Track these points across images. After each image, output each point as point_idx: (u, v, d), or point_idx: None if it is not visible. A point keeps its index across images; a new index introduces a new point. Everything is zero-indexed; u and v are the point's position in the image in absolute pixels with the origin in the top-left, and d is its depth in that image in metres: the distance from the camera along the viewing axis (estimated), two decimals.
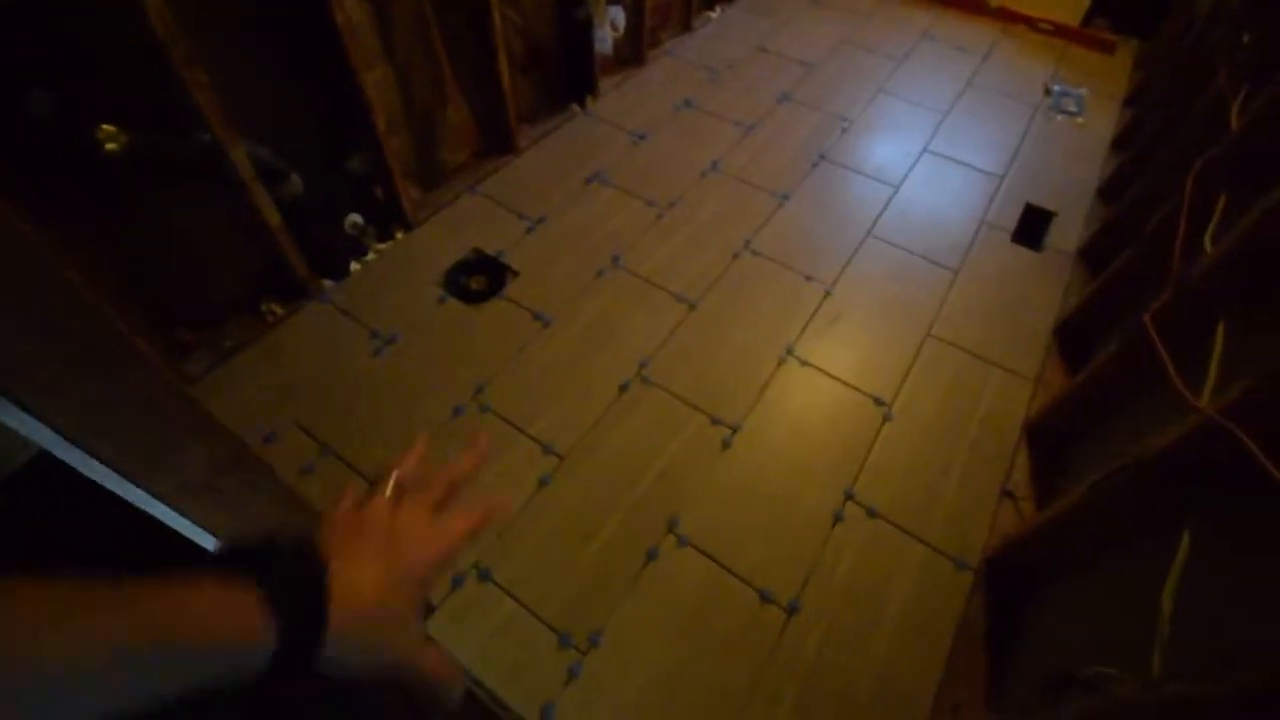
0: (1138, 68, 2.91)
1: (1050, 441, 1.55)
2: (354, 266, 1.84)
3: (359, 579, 0.36)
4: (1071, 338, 1.77)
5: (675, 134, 2.40)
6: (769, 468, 1.52)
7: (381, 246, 1.89)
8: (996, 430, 1.61)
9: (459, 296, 1.82)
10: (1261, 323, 1.00)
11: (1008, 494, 1.49)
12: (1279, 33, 1.47)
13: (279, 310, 1.71)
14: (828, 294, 1.89)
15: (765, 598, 1.32)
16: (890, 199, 2.21)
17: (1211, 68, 1.73)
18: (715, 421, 1.58)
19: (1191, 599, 0.79)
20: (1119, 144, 2.47)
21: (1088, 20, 3.07)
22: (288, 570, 0.34)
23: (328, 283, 1.79)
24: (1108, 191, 2.24)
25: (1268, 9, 1.56)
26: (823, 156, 2.34)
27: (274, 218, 1.56)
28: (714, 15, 3.05)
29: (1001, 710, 1.11)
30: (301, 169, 1.59)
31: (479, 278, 1.88)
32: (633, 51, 2.64)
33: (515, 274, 1.89)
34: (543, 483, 1.45)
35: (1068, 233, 2.14)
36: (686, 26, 2.92)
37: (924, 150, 2.42)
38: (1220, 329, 1.05)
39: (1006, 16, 3.16)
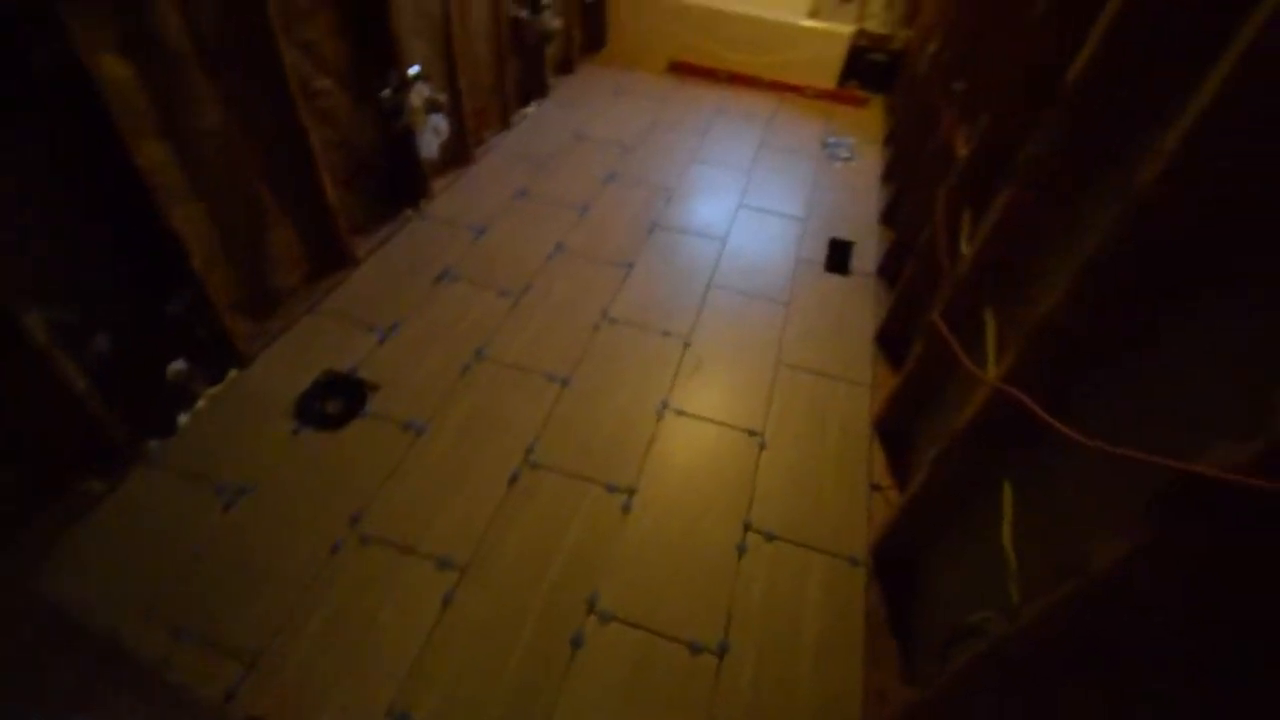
0: (888, 114, 3.53)
1: (896, 433, 1.76)
2: (182, 419, 1.66)
3: None
4: (890, 343, 2.05)
5: (515, 223, 2.50)
6: (670, 520, 1.57)
7: (214, 390, 1.74)
8: (853, 435, 1.81)
9: (316, 424, 1.72)
10: (1013, 300, 1.24)
11: (875, 487, 1.66)
12: (981, 82, 1.89)
13: (99, 486, 1.49)
14: (687, 345, 2.04)
15: (695, 649, 1.34)
16: (721, 251, 2.46)
17: (937, 110, 2.17)
18: (611, 489, 1.62)
19: (1025, 535, 0.94)
20: (886, 177, 2.95)
21: (843, 83, 3.70)
22: None
23: (154, 443, 1.60)
24: (887, 217, 2.67)
25: (969, 65, 2.00)
26: (655, 224, 2.56)
27: (80, 383, 1.39)
28: (530, 111, 3.26)
29: (915, 683, 1.21)
30: (112, 322, 1.45)
31: (334, 400, 1.79)
32: (459, 152, 2.73)
33: (375, 388, 1.82)
34: (447, 601, 1.37)
35: (867, 257, 2.50)
36: (506, 124, 3.10)
37: (739, 205, 2.73)
38: (989, 313, 1.29)
39: (780, 88, 3.71)
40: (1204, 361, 0.73)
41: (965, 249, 1.49)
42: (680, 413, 1.83)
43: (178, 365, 1.63)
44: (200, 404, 1.70)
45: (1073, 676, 0.75)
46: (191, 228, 1.59)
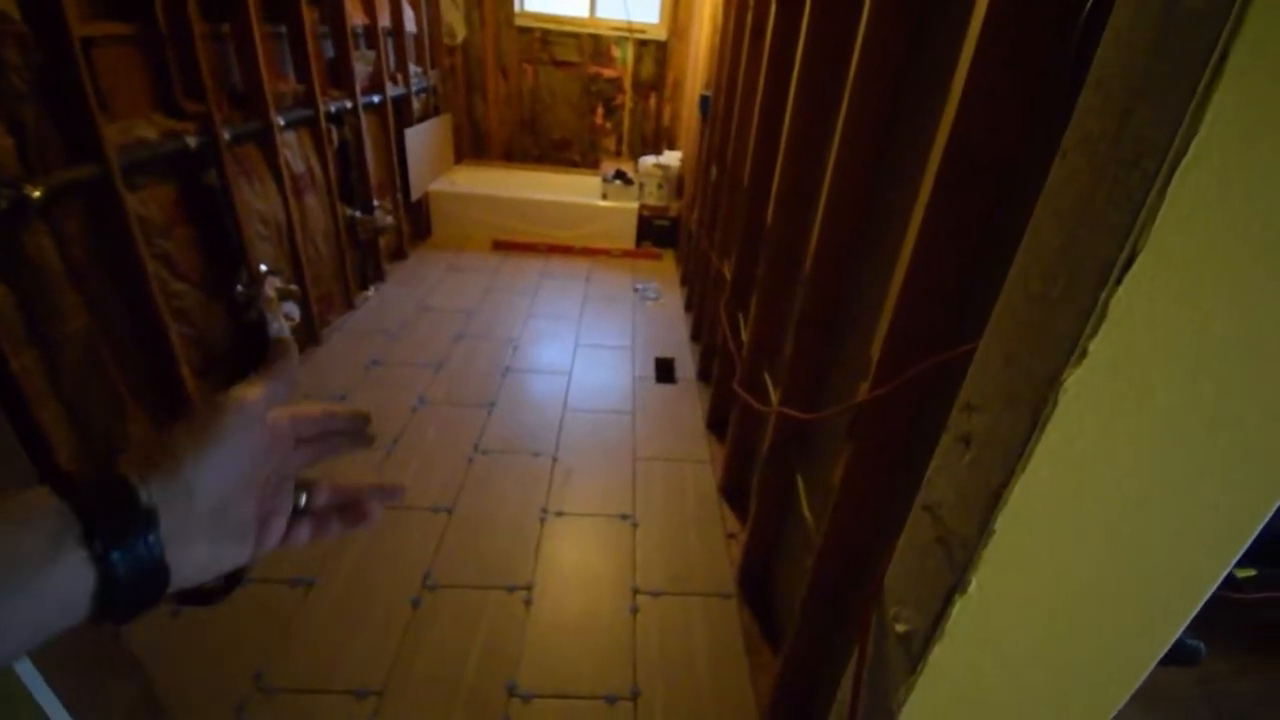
0: (678, 262, 4.40)
1: (736, 491, 2.18)
2: None
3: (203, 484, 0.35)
4: (716, 425, 2.54)
5: (374, 388, 2.71)
6: (569, 601, 1.77)
7: None
8: (705, 500, 2.19)
9: (196, 602, 1.69)
10: (774, 358, 1.78)
11: (730, 536, 2.03)
12: (727, 232, 2.63)
13: None
14: (555, 459, 2.33)
15: (611, 700, 1.51)
16: (568, 382, 2.87)
17: (708, 253, 2.91)
18: (511, 589, 1.79)
19: (814, 504, 1.35)
20: (687, 307, 3.68)
21: (639, 243, 4.56)
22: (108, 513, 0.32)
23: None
24: (694, 336, 3.32)
25: (719, 221, 2.76)
26: (508, 368, 2.92)
27: None
28: (370, 293, 3.58)
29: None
30: None
31: None
32: (308, 334, 2.93)
33: None
34: None
35: (686, 367, 3.07)
36: (350, 305, 3.37)
37: (577, 345, 3.22)
38: (766, 372, 1.82)
39: (591, 252, 4.48)
40: (852, 350, 1.24)
41: (744, 338, 2.06)
42: (560, 514, 2.08)
43: None
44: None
45: (856, 563, 1.13)
46: (54, 427, 1.63)
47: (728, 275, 2.40)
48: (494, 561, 1.88)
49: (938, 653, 0.51)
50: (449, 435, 2.43)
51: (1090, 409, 0.38)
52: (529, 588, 1.80)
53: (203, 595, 1.71)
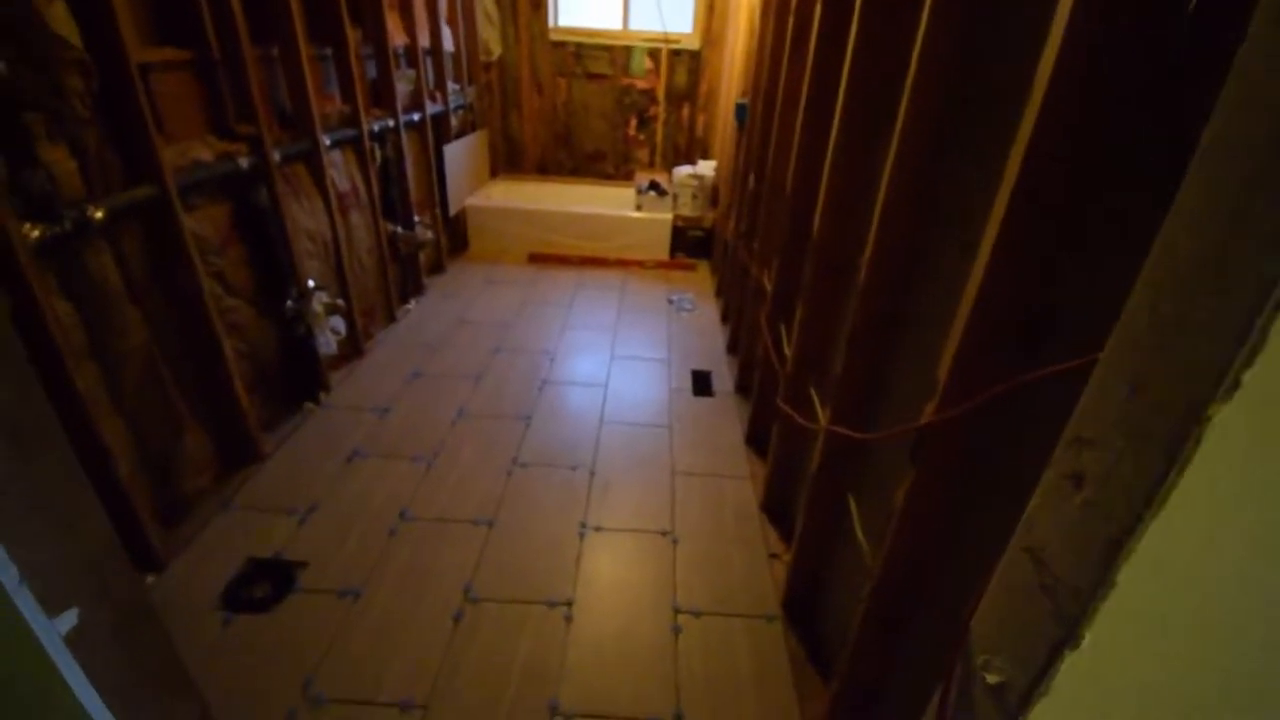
0: (713, 273, 4.36)
1: (778, 509, 2.12)
2: None
3: None
4: (756, 441, 2.48)
5: (415, 399, 2.73)
6: (609, 619, 1.73)
7: None
8: (746, 518, 2.13)
9: (247, 610, 1.72)
10: (821, 374, 1.72)
11: (773, 556, 1.97)
12: (767, 240, 2.58)
13: None
14: (593, 474, 2.31)
15: None
16: (605, 394, 2.85)
17: (746, 263, 2.86)
18: (551, 604, 1.76)
19: (868, 527, 1.30)
20: (723, 319, 3.63)
21: (673, 255, 4.54)
22: None
23: None
24: (731, 348, 3.27)
25: (758, 230, 2.72)
26: (545, 381, 2.92)
27: None
28: (411, 306, 3.64)
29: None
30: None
31: (262, 584, 1.81)
32: (352, 346, 2.99)
33: (303, 565, 1.87)
34: None
35: (724, 380, 3.03)
36: (392, 318, 3.43)
37: (612, 358, 3.20)
38: (812, 387, 1.76)
39: (625, 264, 4.47)
40: (910, 365, 1.18)
41: (787, 351, 2.00)
42: (599, 529, 2.05)
43: None
44: None
45: (917, 591, 1.07)
46: (115, 440, 1.68)
47: (768, 286, 2.35)
48: (534, 576, 1.86)
49: (1040, 710, 0.47)
50: (488, 447, 2.43)
51: (1241, 447, 0.34)
52: (569, 604, 1.77)
53: (255, 601, 1.74)
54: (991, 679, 0.52)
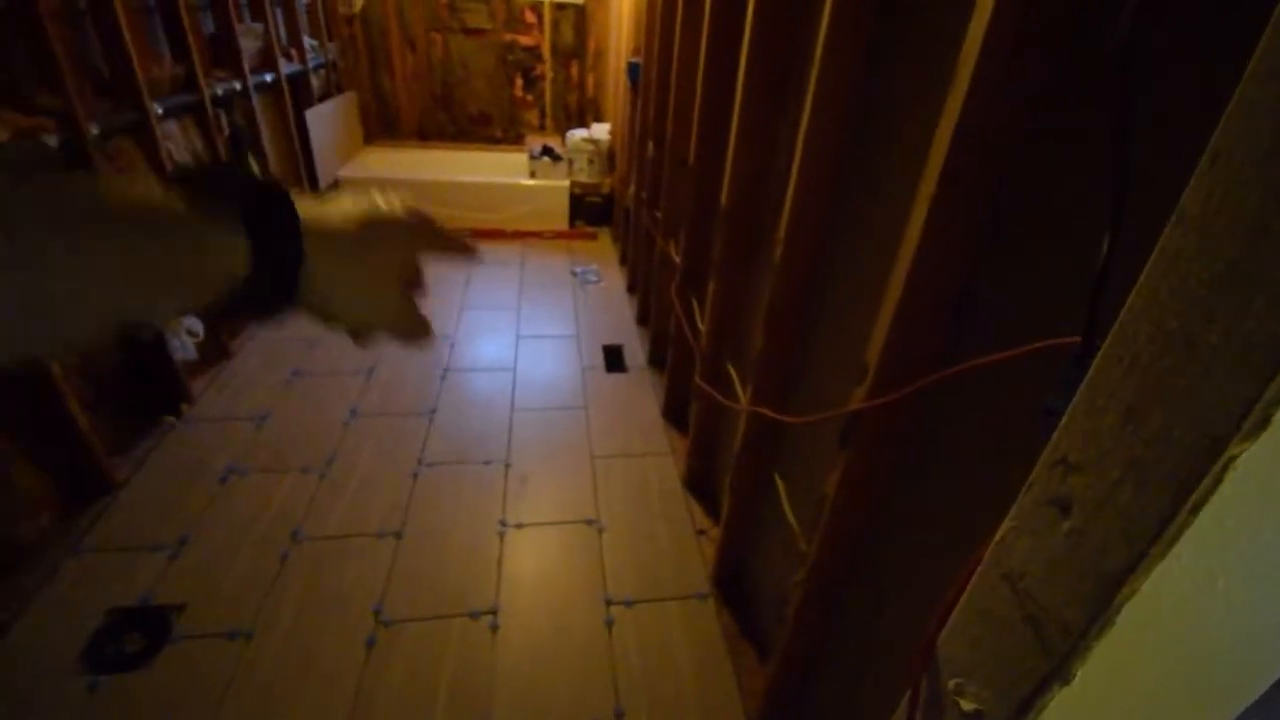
0: (615, 241, 4.26)
1: (702, 484, 2.11)
2: None
3: (334, 212, 0.42)
4: (674, 415, 2.46)
5: (298, 402, 2.46)
6: (539, 622, 1.66)
7: None
8: (670, 497, 2.11)
9: (118, 669, 1.48)
10: (739, 350, 1.70)
11: (700, 532, 1.96)
12: (672, 209, 2.51)
13: None
14: (508, 466, 2.19)
15: None
16: (514, 379, 2.71)
17: (650, 232, 2.78)
18: (474, 615, 1.66)
19: (797, 504, 1.29)
20: (630, 289, 3.56)
21: (572, 224, 4.37)
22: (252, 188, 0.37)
23: None
24: (641, 319, 3.21)
25: (661, 198, 2.63)
26: (446, 369, 2.73)
27: None
28: None
29: (768, 664, 1.46)
30: None
31: (132, 636, 1.57)
32: (215, 347, 2.63)
33: (179, 608, 1.64)
34: None
35: (636, 354, 2.97)
36: None
37: (518, 337, 3.04)
38: (730, 364, 1.73)
39: (522, 235, 4.26)
40: (834, 344, 1.17)
41: (702, 326, 1.96)
42: (519, 526, 1.95)
43: None
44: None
45: (857, 580, 1.07)
46: None
47: (676, 258, 2.29)
48: (453, 586, 1.74)
49: None
50: (388, 449, 2.24)
51: (1270, 492, 0.30)
52: (494, 612, 1.67)
53: (126, 659, 1.50)
54: (966, 705, 0.49)
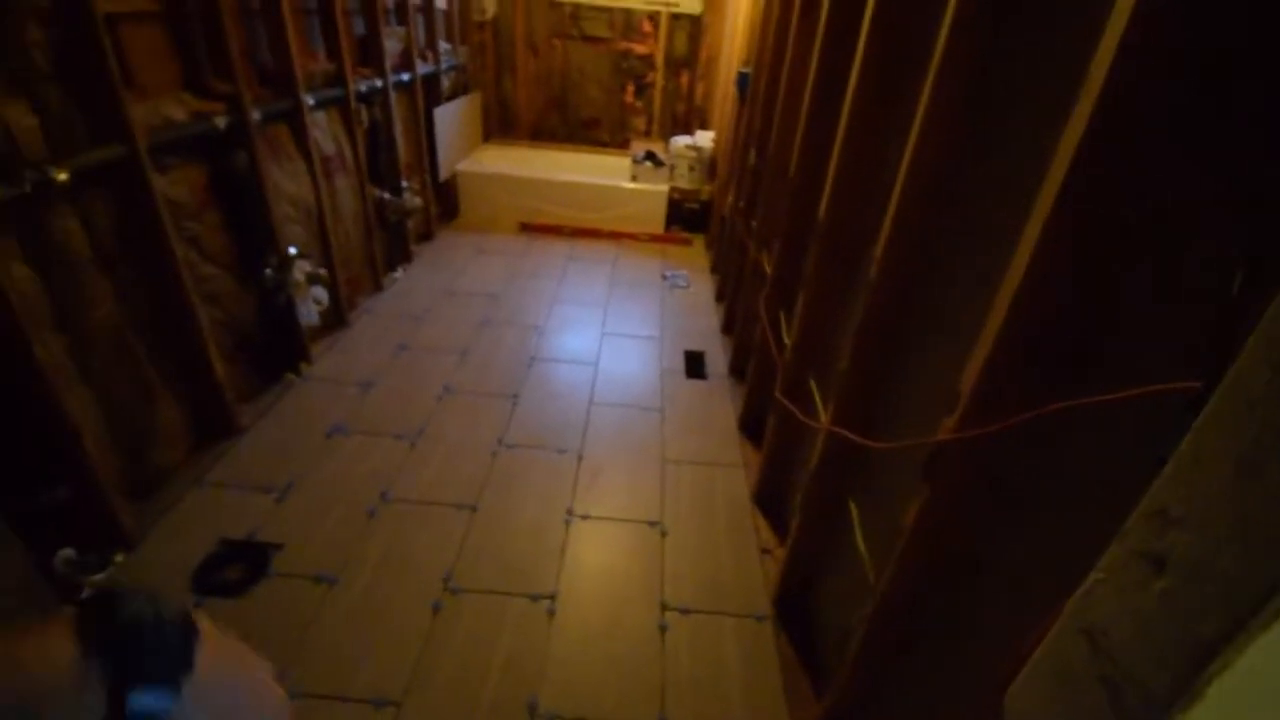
0: (709, 248, 4.25)
1: (771, 501, 2.07)
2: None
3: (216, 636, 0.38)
4: (750, 427, 2.43)
5: (399, 374, 2.64)
6: (594, 615, 1.69)
7: (98, 578, 1.63)
8: (738, 509, 2.09)
9: (219, 593, 1.66)
10: (824, 367, 1.65)
11: (765, 551, 1.93)
12: (768, 220, 2.48)
13: None
14: (581, 458, 2.25)
15: None
16: (595, 374, 2.77)
17: (745, 241, 2.77)
18: (534, 598, 1.72)
19: (870, 536, 1.24)
20: (719, 297, 3.54)
21: (668, 228, 4.42)
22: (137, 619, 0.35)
23: None
24: (726, 328, 3.19)
25: (759, 208, 2.61)
26: (533, 358, 2.84)
27: None
28: (398, 275, 3.52)
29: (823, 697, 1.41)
30: None
31: (235, 567, 1.74)
32: (336, 316, 2.88)
33: (278, 547, 1.80)
34: None
35: (717, 362, 2.96)
36: (378, 287, 3.31)
37: (603, 334, 3.11)
38: (812, 381, 1.69)
39: (618, 236, 4.35)
40: (924, 370, 1.11)
41: (787, 340, 1.93)
42: (585, 517, 2.00)
43: (67, 553, 1.53)
44: (86, 593, 1.58)
45: (928, 621, 1.02)
46: (82, 413, 1.59)
47: (768, 268, 2.26)
48: (516, 566, 1.81)
49: None
50: (473, 427, 2.36)
51: None
52: (552, 597, 1.72)
53: (227, 585, 1.68)
54: None
